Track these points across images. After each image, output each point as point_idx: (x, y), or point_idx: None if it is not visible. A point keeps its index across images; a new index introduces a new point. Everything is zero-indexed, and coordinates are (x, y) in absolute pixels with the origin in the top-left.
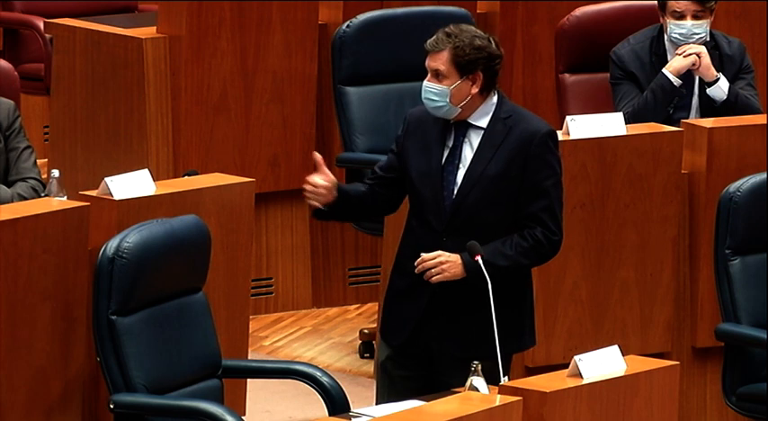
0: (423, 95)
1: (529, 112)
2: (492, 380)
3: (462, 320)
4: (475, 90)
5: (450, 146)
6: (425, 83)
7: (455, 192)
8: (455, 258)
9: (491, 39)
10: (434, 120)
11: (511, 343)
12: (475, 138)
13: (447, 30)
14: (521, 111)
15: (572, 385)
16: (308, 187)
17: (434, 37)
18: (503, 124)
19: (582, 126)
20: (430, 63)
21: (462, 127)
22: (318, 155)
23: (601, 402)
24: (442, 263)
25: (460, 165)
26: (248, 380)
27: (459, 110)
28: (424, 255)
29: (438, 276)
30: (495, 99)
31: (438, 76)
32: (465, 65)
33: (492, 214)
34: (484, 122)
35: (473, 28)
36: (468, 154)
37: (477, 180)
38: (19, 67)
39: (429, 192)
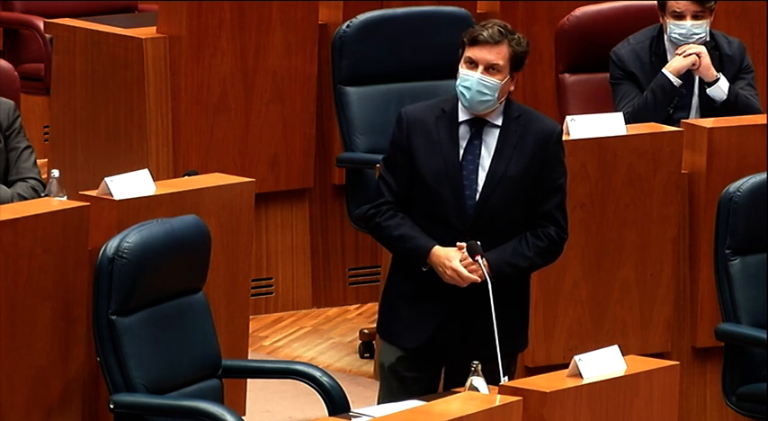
0: (472, 88)
1: (534, 110)
2: (492, 380)
3: (480, 322)
4: (512, 88)
5: (465, 144)
6: (477, 75)
7: (478, 192)
8: (483, 260)
9: None
10: (436, 119)
11: (521, 342)
12: (489, 137)
13: (498, 23)
14: (528, 110)
15: (572, 385)
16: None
17: (487, 30)
18: (516, 123)
19: (582, 126)
20: (485, 55)
21: (478, 124)
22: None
23: (601, 402)
24: (472, 263)
25: (480, 165)
26: (248, 380)
27: (498, 105)
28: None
29: (471, 275)
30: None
31: (492, 69)
32: (519, 62)
33: (513, 213)
34: (499, 120)
35: None
36: (484, 152)
37: (500, 180)
38: (19, 67)
39: (449, 191)
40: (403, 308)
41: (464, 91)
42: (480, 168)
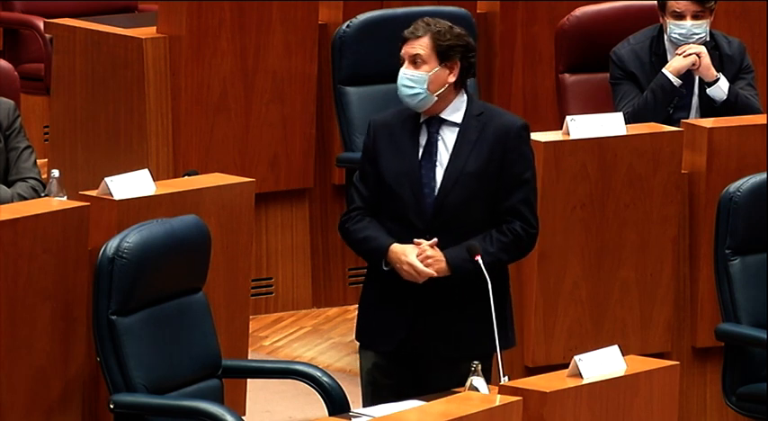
0: (399, 83)
1: (499, 108)
2: (485, 379)
3: (451, 320)
4: (452, 79)
5: (424, 143)
6: (403, 70)
7: (436, 190)
8: (440, 255)
9: (468, 34)
10: (402, 122)
11: (501, 341)
12: (449, 135)
13: (425, 19)
14: (492, 108)
15: (572, 385)
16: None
17: (411, 27)
18: (476, 120)
19: (582, 126)
20: (408, 50)
21: (435, 123)
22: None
23: (601, 402)
24: (428, 257)
25: (437, 163)
26: (248, 380)
27: (435, 99)
28: (423, 246)
29: (427, 269)
30: (465, 97)
31: (416, 62)
32: (445, 50)
33: (474, 210)
34: (457, 118)
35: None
36: (443, 151)
37: (458, 178)
38: (19, 67)
39: (408, 191)
40: (373, 312)
41: (398, 90)
42: (438, 166)
